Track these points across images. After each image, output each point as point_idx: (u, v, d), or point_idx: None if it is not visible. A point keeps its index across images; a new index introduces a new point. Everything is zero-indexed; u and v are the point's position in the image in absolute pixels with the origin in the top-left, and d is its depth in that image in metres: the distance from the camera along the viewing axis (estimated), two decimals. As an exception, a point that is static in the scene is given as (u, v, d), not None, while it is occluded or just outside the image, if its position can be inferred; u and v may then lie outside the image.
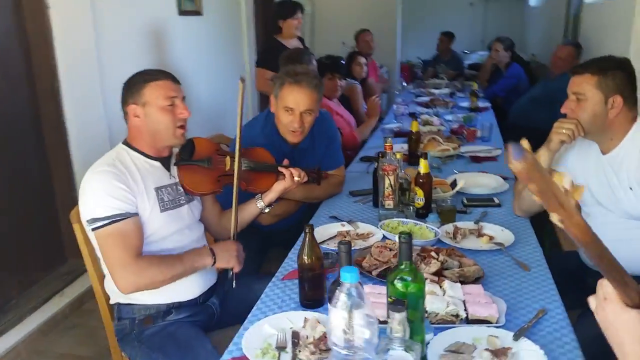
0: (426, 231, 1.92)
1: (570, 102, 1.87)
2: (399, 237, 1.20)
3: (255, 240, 2.25)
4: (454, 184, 2.31)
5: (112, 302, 1.78)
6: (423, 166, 2.08)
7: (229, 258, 1.76)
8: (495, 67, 5.55)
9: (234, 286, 1.79)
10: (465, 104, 4.61)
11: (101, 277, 1.80)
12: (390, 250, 1.74)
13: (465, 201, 2.23)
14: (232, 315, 1.90)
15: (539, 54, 6.93)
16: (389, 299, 1.17)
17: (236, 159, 1.84)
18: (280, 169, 2.00)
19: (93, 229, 1.61)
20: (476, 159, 2.87)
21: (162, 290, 1.68)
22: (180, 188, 1.80)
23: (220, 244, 1.80)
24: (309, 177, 2.06)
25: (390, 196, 2.08)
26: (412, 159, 2.79)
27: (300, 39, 4.15)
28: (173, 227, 1.75)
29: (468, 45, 9.00)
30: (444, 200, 2.10)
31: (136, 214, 1.64)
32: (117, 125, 2.97)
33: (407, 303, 1.10)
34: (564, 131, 1.83)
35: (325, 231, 2.00)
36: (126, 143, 1.76)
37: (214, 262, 1.73)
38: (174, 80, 1.73)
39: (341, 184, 2.48)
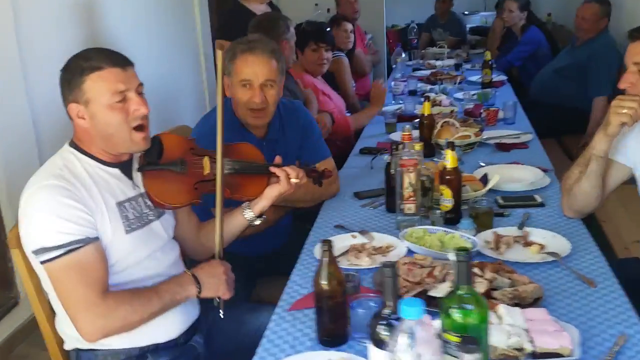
0: (460, 241, 1.90)
1: (630, 74, 1.88)
2: (456, 255, 1.17)
3: (242, 263, 2.20)
4: (484, 180, 2.30)
5: (67, 347, 1.71)
6: (450, 159, 2.05)
7: (217, 284, 1.71)
8: (506, 32, 5.60)
9: (221, 316, 1.74)
10: (475, 77, 4.63)
11: (50, 316, 1.72)
12: (422, 267, 1.71)
13: (500, 201, 2.22)
14: (221, 356, 1.85)
15: (556, 13, 7.02)
16: (447, 335, 1.14)
17: (218, 159, 1.78)
18: (272, 169, 1.94)
19: (42, 262, 1.53)
20: (503, 147, 2.88)
21: (134, 331, 1.61)
22: (148, 200, 1.73)
23: (204, 268, 1.74)
24: (308, 177, 2.01)
25: (411, 198, 2.05)
26: (425, 149, 2.76)
27: (270, 4, 4.09)
28: (143, 251, 1.69)
29: (467, 4, 9.07)
30: (477, 201, 2.09)
31: (97, 239, 1.57)
32: (45, 120, 2.85)
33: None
34: (625, 111, 1.84)
35: (337, 243, 1.95)
36: (74, 145, 1.68)
37: (199, 292, 1.68)
38: (123, 64, 1.62)
39: (336, 180, 2.45)
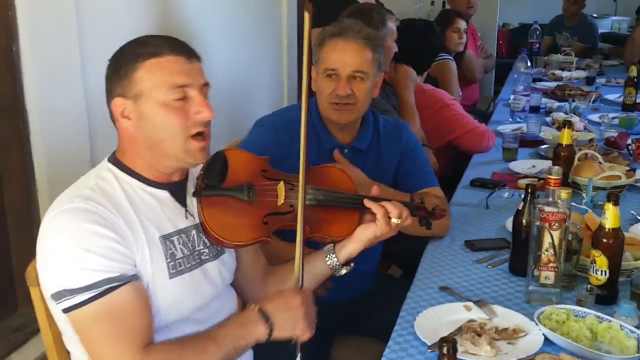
0: (620, 335, 1.50)
1: None
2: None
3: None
4: (650, 244, 1.87)
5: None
6: (612, 217, 1.65)
7: (294, 320, 1.44)
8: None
9: None
10: (612, 96, 4.14)
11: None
12: (569, 373, 1.33)
13: (668, 275, 1.79)
14: None
15: None
16: None
17: (300, 187, 1.49)
18: (366, 202, 1.65)
19: (65, 310, 1.30)
20: (662, 195, 2.42)
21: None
22: (203, 235, 1.48)
23: (274, 300, 1.47)
24: (414, 217, 1.70)
25: (551, 264, 1.67)
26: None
27: None
28: (190, 302, 1.44)
29: (596, 6, 8.45)
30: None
31: (136, 277, 1.33)
32: (103, 122, 2.62)
33: None
34: None
35: (441, 318, 1.60)
36: (114, 159, 1.44)
37: (270, 333, 1.42)
38: (188, 54, 1.39)
39: (447, 217, 2.11)
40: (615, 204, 1.65)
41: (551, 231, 1.65)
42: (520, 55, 4.43)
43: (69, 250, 1.28)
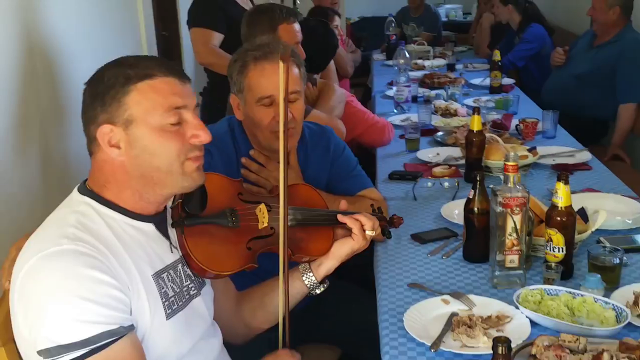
0: (596, 307, 1.57)
1: None
2: None
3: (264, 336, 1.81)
4: (584, 216, 1.98)
5: None
6: (564, 195, 1.73)
7: None
8: (495, 27, 5.41)
9: None
10: (477, 80, 4.37)
11: None
12: (572, 352, 1.37)
13: (606, 244, 1.91)
14: None
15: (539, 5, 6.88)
16: None
17: (281, 208, 1.43)
18: (341, 218, 1.62)
19: None
20: (564, 169, 2.59)
21: None
22: (187, 267, 1.38)
23: None
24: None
25: (515, 248, 1.71)
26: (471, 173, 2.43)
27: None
28: (185, 343, 1.34)
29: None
30: (592, 247, 1.77)
31: (132, 327, 1.20)
32: None
33: None
34: None
35: (425, 315, 1.59)
36: (89, 192, 1.28)
37: None
38: (181, 74, 1.29)
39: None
40: (566, 182, 1.73)
41: (513, 216, 1.70)
42: (398, 48, 4.53)
43: (63, 299, 1.12)
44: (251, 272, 1.51)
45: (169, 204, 1.40)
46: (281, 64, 1.42)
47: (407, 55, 4.43)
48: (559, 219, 1.74)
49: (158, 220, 1.33)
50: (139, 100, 1.22)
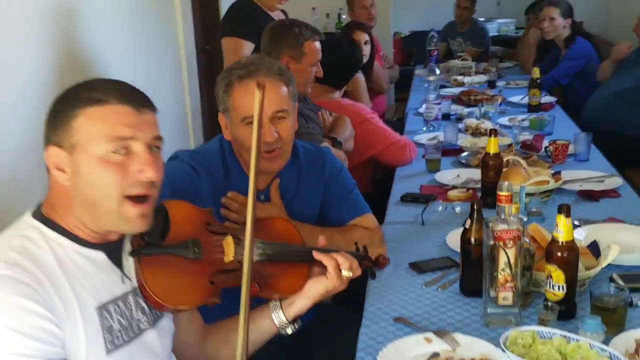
0: (592, 354, 1.42)
1: None
2: None
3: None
4: (595, 250, 1.83)
5: None
6: (565, 229, 1.59)
7: None
8: (541, 44, 5.20)
9: None
10: (516, 98, 4.20)
11: None
12: (552, 405, 1.23)
13: (619, 282, 1.75)
14: None
15: (588, 21, 6.63)
16: None
17: (247, 240, 1.33)
18: (316, 255, 1.54)
19: None
20: (590, 195, 2.42)
21: None
22: (142, 300, 1.30)
23: None
24: (362, 267, 1.60)
25: (509, 284, 1.58)
26: (490, 201, 2.29)
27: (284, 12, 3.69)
28: None
29: (480, 11, 8.70)
30: (598, 286, 1.62)
31: None
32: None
33: None
34: None
35: (403, 355, 1.48)
36: (40, 215, 1.24)
37: None
38: (138, 104, 1.22)
39: (381, 244, 2.01)
40: (567, 215, 1.59)
41: (506, 250, 1.57)
42: (429, 64, 4.41)
43: None
44: (221, 306, 1.44)
45: None
46: (257, 93, 1.36)
47: (438, 72, 4.29)
48: (559, 254, 1.60)
49: (110, 248, 1.27)
50: (84, 126, 1.17)
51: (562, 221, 1.59)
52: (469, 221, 1.75)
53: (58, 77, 2.64)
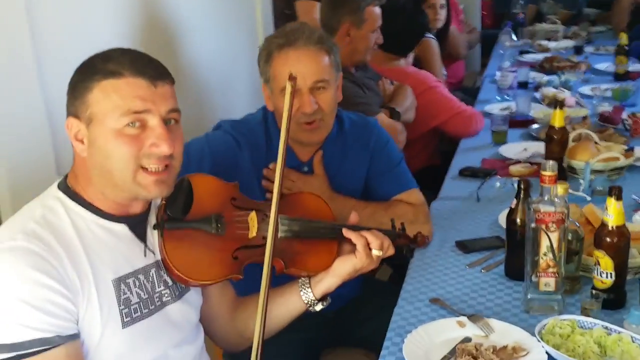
0: (632, 348, 1.33)
1: None
2: None
3: (297, 328, 1.73)
4: (655, 236, 1.70)
5: None
6: (615, 213, 1.48)
7: None
8: (635, 8, 4.86)
9: None
10: (603, 65, 3.94)
11: None
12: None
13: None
14: None
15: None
16: None
17: (271, 217, 1.36)
18: (345, 233, 1.50)
19: None
20: (664, 174, 2.25)
21: None
22: (164, 273, 1.32)
23: None
24: (396, 245, 1.55)
25: (551, 269, 1.50)
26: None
27: None
28: (147, 353, 1.28)
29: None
30: (651, 275, 1.51)
31: (74, 337, 1.16)
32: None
33: None
34: None
35: (432, 339, 1.43)
36: (65, 186, 1.27)
37: None
38: (153, 77, 1.22)
39: (427, 222, 1.94)
40: (618, 198, 1.49)
41: (548, 233, 1.48)
42: (504, 29, 4.21)
43: (2, 298, 1.10)
44: (251, 282, 1.44)
45: (158, 202, 1.35)
46: (288, 85, 1.35)
47: (514, 37, 4.08)
48: (608, 239, 1.50)
49: (134, 221, 1.29)
50: (99, 99, 1.18)
51: (613, 204, 1.49)
52: (514, 201, 1.67)
53: (137, 46, 2.68)
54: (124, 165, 1.19)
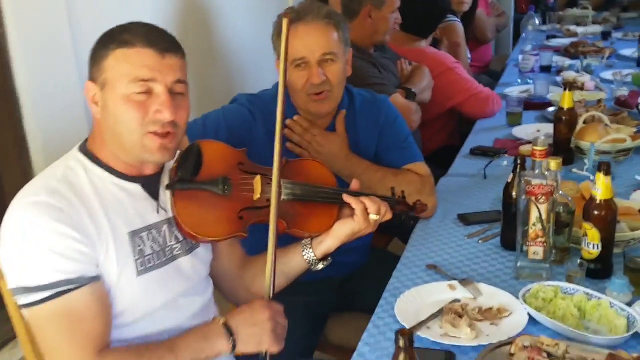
0: (610, 313, 1.42)
1: None
2: None
3: (304, 291, 1.84)
4: (648, 213, 1.77)
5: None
6: (602, 187, 1.56)
7: (260, 335, 1.40)
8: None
9: None
10: (629, 51, 3.95)
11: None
12: (550, 356, 1.26)
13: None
14: None
15: None
16: None
17: (274, 181, 1.46)
18: (345, 198, 1.60)
19: (23, 306, 1.28)
20: (670, 157, 2.31)
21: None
22: (175, 229, 1.43)
23: (242, 313, 1.43)
24: (394, 212, 1.64)
25: (540, 239, 1.59)
26: (561, 154, 2.24)
27: None
28: (158, 298, 1.40)
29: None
30: (637, 249, 1.59)
31: (96, 279, 1.29)
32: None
33: None
34: None
35: (424, 299, 1.54)
36: (85, 149, 1.40)
37: (234, 347, 1.38)
38: (163, 48, 1.32)
39: (432, 194, 2.03)
40: (607, 173, 1.56)
41: (538, 205, 1.57)
42: (528, 12, 4.24)
43: (29, 247, 1.24)
44: (258, 241, 1.56)
45: (171, 164, 1.47)
46: (284, 22, 1.42)
47: (537, 22, 4.10)
48: (596, 212, 1.58)
49: (147, 181, 1.41)
50: (112, 66, 1.30)
51: (601, 179, 1.56)
52: (511, 175, 1.76)
53: (174, 26, 2.79)
54: (132, 129, 1.30)
